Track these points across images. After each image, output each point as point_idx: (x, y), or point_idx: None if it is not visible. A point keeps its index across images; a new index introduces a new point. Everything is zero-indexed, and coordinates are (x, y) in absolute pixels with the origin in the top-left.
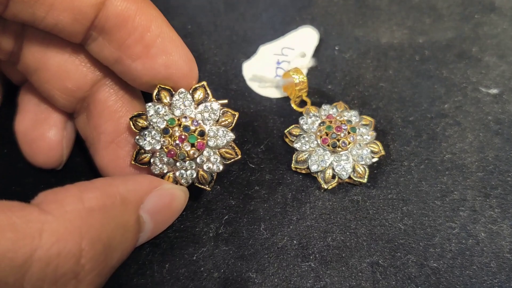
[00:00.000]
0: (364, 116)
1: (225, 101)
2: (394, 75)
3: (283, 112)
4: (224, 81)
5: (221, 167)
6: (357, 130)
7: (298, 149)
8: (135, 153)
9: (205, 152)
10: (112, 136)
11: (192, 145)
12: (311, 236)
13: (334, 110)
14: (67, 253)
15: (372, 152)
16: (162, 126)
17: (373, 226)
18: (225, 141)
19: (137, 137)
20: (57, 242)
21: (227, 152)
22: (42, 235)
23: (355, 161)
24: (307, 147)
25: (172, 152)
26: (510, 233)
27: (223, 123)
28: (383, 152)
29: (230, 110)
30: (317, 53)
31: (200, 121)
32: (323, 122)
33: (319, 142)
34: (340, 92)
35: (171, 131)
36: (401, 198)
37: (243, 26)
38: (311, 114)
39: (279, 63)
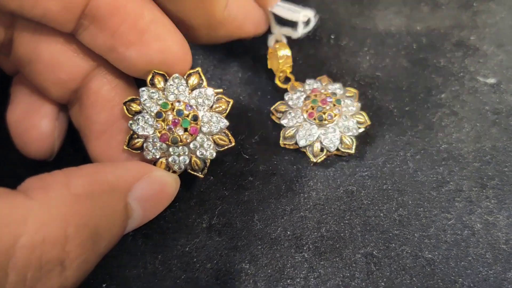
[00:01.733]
0: (348, 88)
1: (220, 90)
2: (391, 64)
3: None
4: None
5: (214, 154)
6: (342, 102)
7: (285, 125)
8: (128, 138)
9: (198, 138)
10: (105, 126)
11: (185, 130)
12: (304, 227)
13: (318, 84)
14: (52, 240)
15: (358, 122)
16: (156, 111)
17: (368, 216)
18: (218, 128)
19: (130, 121)
20: (41, 228)
21: (220, 139)
22: (27, 221)
23: (342, 133)
24: (294, 122)
25: (165, 137)
26: (506, 224)
27: (217, 109)
28: (369, 122)
29: (224, 97)
30: (313, 42)
31: (194, 106)
32: (308, 97)
33: (305, 117)
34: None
35: (164, 115)
36: (396, 188)
37: None
38: (296, 90)
39: None
